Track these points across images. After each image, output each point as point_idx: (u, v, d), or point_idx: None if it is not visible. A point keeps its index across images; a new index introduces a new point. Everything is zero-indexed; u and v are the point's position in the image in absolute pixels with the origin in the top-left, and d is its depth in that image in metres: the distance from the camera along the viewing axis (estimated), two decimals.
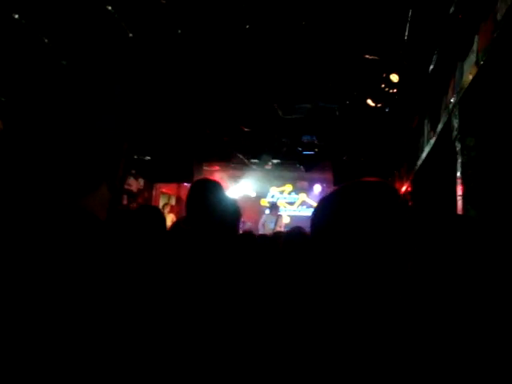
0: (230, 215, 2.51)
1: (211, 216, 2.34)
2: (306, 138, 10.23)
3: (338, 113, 7.99)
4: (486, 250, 1.71)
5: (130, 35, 4.79)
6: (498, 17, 3.84)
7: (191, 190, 2.64)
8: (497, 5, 3.88)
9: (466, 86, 5.12)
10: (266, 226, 12.08)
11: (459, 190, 5.56)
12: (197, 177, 12.37)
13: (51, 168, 0.93)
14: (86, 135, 0.98)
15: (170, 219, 11.45)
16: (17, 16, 4.61)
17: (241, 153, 12.19)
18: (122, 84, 1.07)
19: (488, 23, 4.22)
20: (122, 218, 2.44)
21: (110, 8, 4.45)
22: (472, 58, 4.84)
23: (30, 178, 0.92)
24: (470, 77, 4.86)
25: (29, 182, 0.91)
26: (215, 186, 2.56)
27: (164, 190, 13.34)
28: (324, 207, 1.20)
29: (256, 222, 13.15)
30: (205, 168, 13.65)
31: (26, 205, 0.87)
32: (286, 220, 13.99)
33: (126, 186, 10.07)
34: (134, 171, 10.38)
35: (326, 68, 6.58)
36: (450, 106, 5.91)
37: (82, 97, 1.02)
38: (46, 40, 4.86)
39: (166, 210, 12.04)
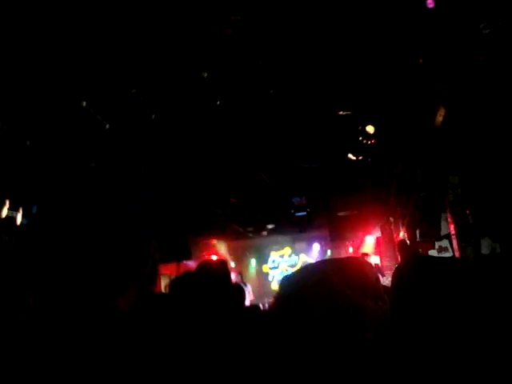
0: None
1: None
2: (296, 200, 10.31)
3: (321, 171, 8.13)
4: (480, 297, 1.72)
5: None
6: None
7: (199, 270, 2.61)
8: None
9: (438, 127, 5.26)
10: None
11: (452, 229, 5.58)
12: (195, 253, 12.32)
13: (85, 271, 0.93)
14: (117, 239, 1.00)
15: None
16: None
17: (235, 223, 12.22)
18: (149, 184, 1.10)
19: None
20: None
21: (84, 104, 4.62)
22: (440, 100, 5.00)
23: (64, 281, 0.93)
24: (440, 118, 5.01)
25: (63, 284, 0.92)
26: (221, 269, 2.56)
27: (163, 272, 13.22)
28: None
29: (260, 288, 13.04)
30: (202, 242, 13.60)
31: (60, 308, 0.87)
32: None
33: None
34: None
35: (304, 130, 6.75)
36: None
37: (110, 201, 1.05)
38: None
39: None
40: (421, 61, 5.20)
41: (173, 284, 2.47)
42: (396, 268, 1.84)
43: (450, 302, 1.70)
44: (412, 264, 2.05)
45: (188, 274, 2.54)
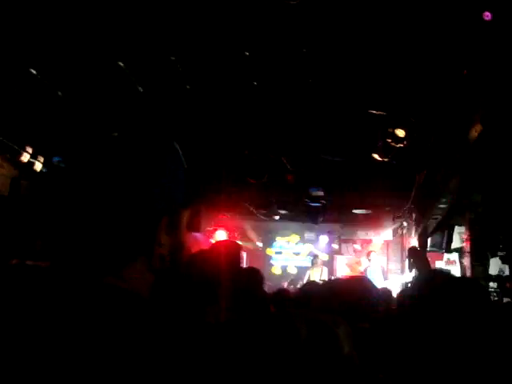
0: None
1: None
2: (313, 190, 10.26)
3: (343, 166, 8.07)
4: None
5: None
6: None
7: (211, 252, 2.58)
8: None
9: (471, 143, 5.16)
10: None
11: (466, 246, 5.52)
12: (203, 225, 12.37)
13: (94, 231, 0.87)
14: (129, 204, 0.91)
15: None
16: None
17: (248, 203, 12.21)
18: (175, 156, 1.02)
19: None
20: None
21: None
22: (477, 116, 4.90)
23: (64, 248, 0.87)
24: (476, 134, 4.90)
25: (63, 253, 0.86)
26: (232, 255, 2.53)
27: None
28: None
29: (261, 270, 13.06)
30: (212, 216, 13.64)
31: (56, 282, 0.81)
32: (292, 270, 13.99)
33: None
34: None
35: (332, 123, 6.67)
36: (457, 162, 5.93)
37: (138, 172, 0.96)
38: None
39: None
40: (465, 72, 5.09)
41: (187, 265, 2.45)
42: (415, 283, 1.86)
43: (461, 321, 1.74)
44: (429, 279, 2.07)
45: (201, 257, 2.52)
